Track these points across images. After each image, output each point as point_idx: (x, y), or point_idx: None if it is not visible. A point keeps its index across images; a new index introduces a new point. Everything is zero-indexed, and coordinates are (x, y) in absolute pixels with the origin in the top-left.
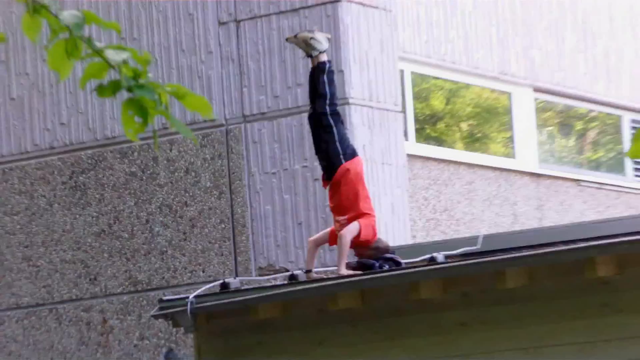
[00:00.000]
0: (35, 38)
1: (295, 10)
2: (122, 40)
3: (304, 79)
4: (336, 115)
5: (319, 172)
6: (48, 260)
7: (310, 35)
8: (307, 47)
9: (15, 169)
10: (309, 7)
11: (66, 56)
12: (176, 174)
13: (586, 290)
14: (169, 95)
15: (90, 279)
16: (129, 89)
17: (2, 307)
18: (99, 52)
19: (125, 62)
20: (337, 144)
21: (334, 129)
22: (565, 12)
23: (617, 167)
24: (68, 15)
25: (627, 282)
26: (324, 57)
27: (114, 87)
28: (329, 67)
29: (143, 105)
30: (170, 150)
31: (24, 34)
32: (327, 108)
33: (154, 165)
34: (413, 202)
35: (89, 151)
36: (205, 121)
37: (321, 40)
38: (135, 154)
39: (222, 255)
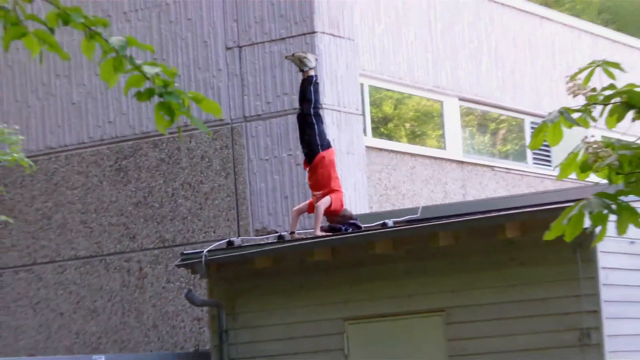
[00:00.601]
0: (91, 56)
1: (282, 39)
2: (154, 60)
3: (288, 90)
4: (317, 116)
5: (300, 159)
6: (99, 223)
7: (303, 55)
8: (301, 63)
9: (75, 155)
10: (293, 36)
11: (113, 70)
12: (194, 159)
13: (497, 248)
14: (190, 100)
15: (130, 237)
16: (160, 95)
17: (64, 258)
18: (138, 67)
19: (157, 74)
20: (317, 137)
21: (315, 126)
22: (482, 42)
23: (520, 156)
24: (115, 40)
25: (528, 242)
26: (312, 72)
27: (149, 94)
28: (315, 80)
29: (171, 107)
30: (190, 142)
31: (83, 53)
32: (312, 110)
33: (178, 153)
34: (370, 182)
35: (130, 142)
36: (215, 120)
37: (311, 60)
38: (164, 144)
39: (228, 220)
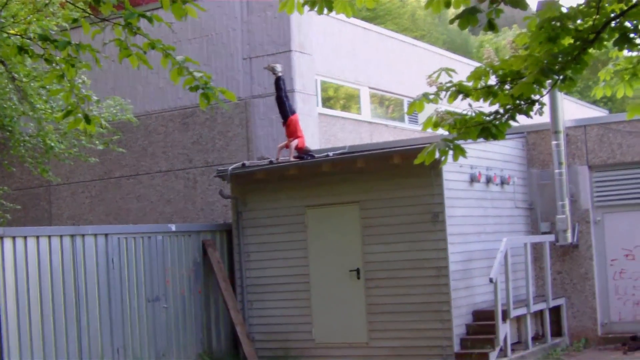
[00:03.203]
0: (166, 66)
1: (273, 54)
2: (201, 67)
3: (273, 82)
4: (286, 97)
5: (280, 119)
6: (172, 153)
7: (273, 65)
8: (273, 70)
9: (160, 116)
10: (279, 52)
11: (177, 74)
12: (224, 119)
13: (389, 168)
14: (219, 91)
15: (189, 161)
16: (202, 88)
17: (153, 171)
18: (190, 73)
19: (201, 77)
20: (287, 108)
21: (286, 103)
22: (381, 57)
23: (401, 119)
24: (179, 57)
25: (406, 165)
26: (280, 74)
27: (196, 88)
28: (282, 78)
29: (208, 95)
30: (223, 110)
31: (170, 78)
32: (283, 94)
33: (216, 115)
34: (320, 132)
35: (190, 109)
36: (238, 99)
37: (279, 68)
38: (208, 111)
39: (242, 152)
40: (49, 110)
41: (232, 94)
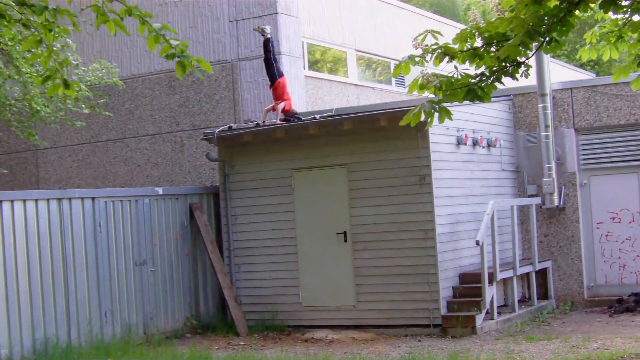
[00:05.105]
0: (142, 33)
1: (260, 16)
2: (187, 30)
3: (260, 45)
4: (274, 60)
5: (267, 82)
6: (159, 116)
7: (263, 27)
8: (262, 32)
9: (147, 79)
10: (265, 15)
11: (154, 42)
12: (211, 82)
13: (376, 130)
14: (195, 60)
15: (176, 124)
16: (179, 57)
17: (140, 134)
18: (167, 41)
19: (177, 45)
20: (275, 70)
21: (274, 65)
22: (369, 20)
23: (388, 82)
24: (156, 25)
25: (392, 127)
26: (269, 36)
27: (173, 55)
28: (271, 40)
29: (184, 63)
30: (211, 72)
31: (147, 44)
32: (271, 56)
33: (200, 82)
34: (306, 94)
35: (173, 73)
36: (225, 61)
37: (268, 29)
38: (195, 74)
39: (229, 115)
40: (35, 74)
41: (208, 64)
